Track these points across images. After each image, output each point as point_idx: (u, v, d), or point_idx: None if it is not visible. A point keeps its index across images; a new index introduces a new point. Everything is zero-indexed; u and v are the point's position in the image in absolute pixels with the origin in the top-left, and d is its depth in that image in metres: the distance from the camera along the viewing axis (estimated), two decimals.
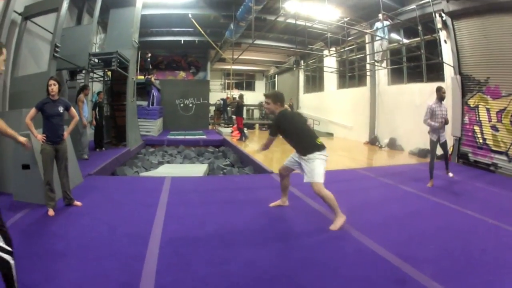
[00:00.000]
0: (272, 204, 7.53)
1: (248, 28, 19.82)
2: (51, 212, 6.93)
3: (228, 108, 31.58)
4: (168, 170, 12.84)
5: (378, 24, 17.04)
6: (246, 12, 18.20)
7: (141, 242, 5.34)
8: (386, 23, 16.81)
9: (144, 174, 13.04)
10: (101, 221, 6.24)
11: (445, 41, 16.73)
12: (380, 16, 16.50)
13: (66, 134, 7.65)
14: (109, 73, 19.56)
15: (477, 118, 15.42)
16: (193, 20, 23.26)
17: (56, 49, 10.49)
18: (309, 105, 30.24)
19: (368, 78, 23.14)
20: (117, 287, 4.13)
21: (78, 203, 7.53)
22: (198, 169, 12.97)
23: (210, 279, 4.35)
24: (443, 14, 16.25)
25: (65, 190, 7.46)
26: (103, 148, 15.76)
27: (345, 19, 19.61)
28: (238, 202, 7.95)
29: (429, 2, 16.36)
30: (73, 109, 7.91)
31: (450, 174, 11.28)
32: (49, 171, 7.06)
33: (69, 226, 5.77)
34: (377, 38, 17.38)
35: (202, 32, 24.92)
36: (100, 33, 20.95)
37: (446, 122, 10.60)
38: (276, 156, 14.95)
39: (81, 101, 13.15)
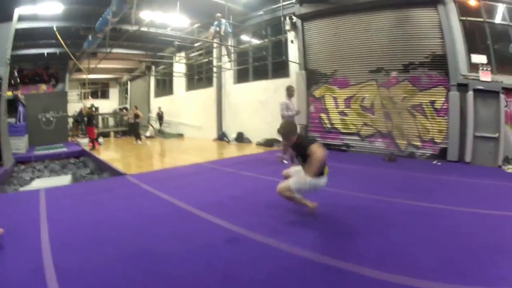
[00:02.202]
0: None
1: (105, 38, 16.03)
2: None
3: (85, 119, 26.08)
4: (40, 184, 10.80)
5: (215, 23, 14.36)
6: (104, 24, 14.88)
7: (34, 242, 4.60)
8: (224, 21, 14.34)
9: (21, 189, 10.86)
10: None
11: (292, 41, 15.20)
12: (218, 14, 14.14)
13: None
14: None
15: (324, 106, 14.20)
16: (57, 33, 18.45)
17: None
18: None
19: (214, 79, 20.41)
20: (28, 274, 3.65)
21: None
22: (64, 180, 11.46)
23: (105, 252, 4.19)
24: (293, 17, 14.72)
25: None
26: None
27: (195, 26, 16.57)
28: (103, 200, 7.02)
29: (280, 7, 14.32)
30: None
31: (285, 161, 10.46)
32: None
33: None
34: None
35: (63, 43, 19.60)
36: None
37: (298, 113, 10.53)
38: (130, 160, 13.02)
39: None
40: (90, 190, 8.26)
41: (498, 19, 11.53)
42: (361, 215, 5.43)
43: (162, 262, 3.80)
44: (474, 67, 11.34)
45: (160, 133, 22.32)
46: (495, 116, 10.92)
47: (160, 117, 23.43)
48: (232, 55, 17.75)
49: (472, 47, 11.55)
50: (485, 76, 11.09)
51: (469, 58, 11.46)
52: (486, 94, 10.99)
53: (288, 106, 10.14)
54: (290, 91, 10.44)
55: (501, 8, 11.33)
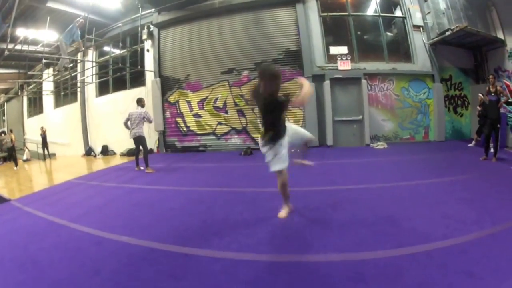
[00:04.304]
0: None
1: None
2: None
3: None
4: None
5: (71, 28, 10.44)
6: None
7: None
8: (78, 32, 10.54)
9: None
10: None
11: (148, 50, 11.79)
12: (79, 20, 10.36)
13: None
14: None
15: (178, 111, 11.09)
16: None
17: None
18: (33, 129, 19.06)
19: (78, 94, 15.77)
20: None
21: None
22: None
23: None
24: (151, 26, 11.49)
25: None
26: None
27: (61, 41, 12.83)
28: None
29: (138, 16, 11.43)
30: None
31: (142, 168, 8.42)
32: None
33: None
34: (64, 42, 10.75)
35: None
36: None
37: (149, 121, 8.20)
38: (13, 186, 9.36)
39: None
40: None
41: (370, 11, 10.37)
42: (207, 205, 4.63)
43: (44, 268, 3.15)
44: (333, 58, 9.63)
45: (48, 157, 16.37)
46: (358, 100, 9.37)
47: (43, 138, 16.88)
48: (94, 68, 13.93)
49: (335, 39, 9.97)
50: (344, 65, 9.45)
51: (328, 50, 9.73)
52: (347, 81, 9.33)
53: (130, 117, 7.93)
54: (142, 103, 8.08)
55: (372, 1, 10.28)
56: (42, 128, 15.54)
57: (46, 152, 15.45)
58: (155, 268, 2.85)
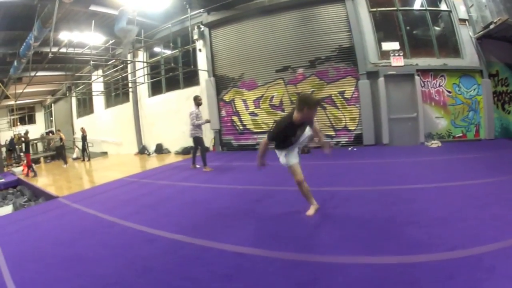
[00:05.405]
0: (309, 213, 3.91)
1: (29, 62, 11.63)
2: None
3: (17, 146, 19.05)
4: None
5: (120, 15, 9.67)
6: (27, 49, 10.96)
7: None
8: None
9: None
10: None
11: (200, 50, 12.04)
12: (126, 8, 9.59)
13: None
14: None
15: (234, 110, 11.31)
16: None
17: None
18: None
19: (130, 94, 16.23)
20: None
21: None
22: (6, 210, 9.31)
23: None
24: (201, 26, 11.71)
25: None
26: None
27: (109, 43, 12.77)
28: (41, 222, 5.31)
29: (188, 17, 11.56)
30: None
31: (198, 166, 8.43)
32: None
33: None
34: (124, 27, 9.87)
35: None
36: None
37: (208, 121, 8.61)
38: (61, 183, 9.77)
39: None
40: (29, 215, 6.34)
41: (416, 5, 10.13)
42: (263, 204, 4.68)
43: (90, 265, 3.16)
44: (386, 54, 9.51)
45: (87, 155, 15.89)
46: (411, 97, 9.24)
47: (83, 138, 16.08)
48: (146, 69, 14.26)
49: (386, 35, 9.85)
50: (397, 61, 9.33)
51: (380, 47, 9.63)
52: (401, 77, 9.22)
53: (198, 115, 7.81)
54: (197, 100, 8.04)
55: None
56: (82, 128, 16.03)
57: (85, 152, 15.61)
58: (208, 267, 2.80)
